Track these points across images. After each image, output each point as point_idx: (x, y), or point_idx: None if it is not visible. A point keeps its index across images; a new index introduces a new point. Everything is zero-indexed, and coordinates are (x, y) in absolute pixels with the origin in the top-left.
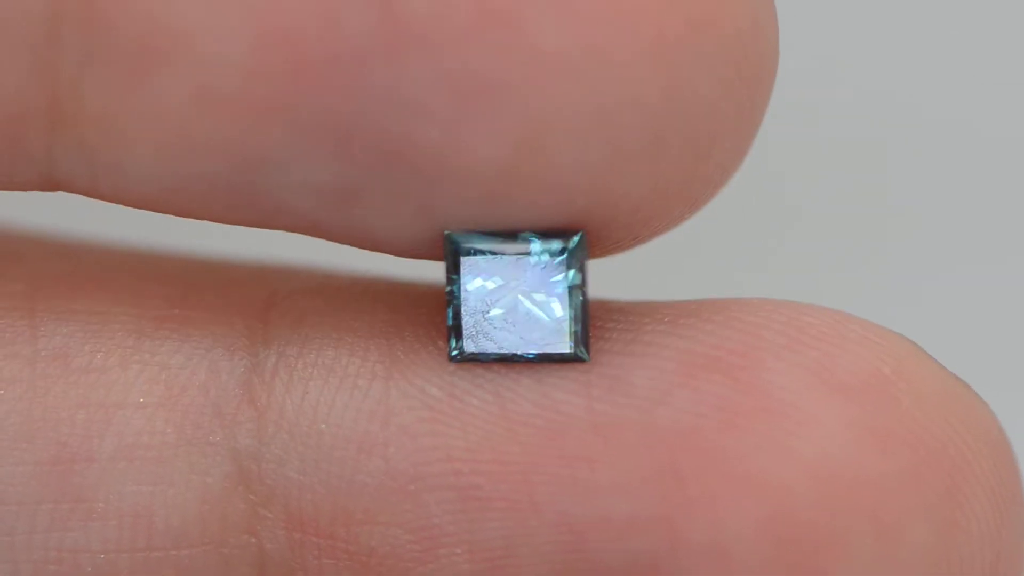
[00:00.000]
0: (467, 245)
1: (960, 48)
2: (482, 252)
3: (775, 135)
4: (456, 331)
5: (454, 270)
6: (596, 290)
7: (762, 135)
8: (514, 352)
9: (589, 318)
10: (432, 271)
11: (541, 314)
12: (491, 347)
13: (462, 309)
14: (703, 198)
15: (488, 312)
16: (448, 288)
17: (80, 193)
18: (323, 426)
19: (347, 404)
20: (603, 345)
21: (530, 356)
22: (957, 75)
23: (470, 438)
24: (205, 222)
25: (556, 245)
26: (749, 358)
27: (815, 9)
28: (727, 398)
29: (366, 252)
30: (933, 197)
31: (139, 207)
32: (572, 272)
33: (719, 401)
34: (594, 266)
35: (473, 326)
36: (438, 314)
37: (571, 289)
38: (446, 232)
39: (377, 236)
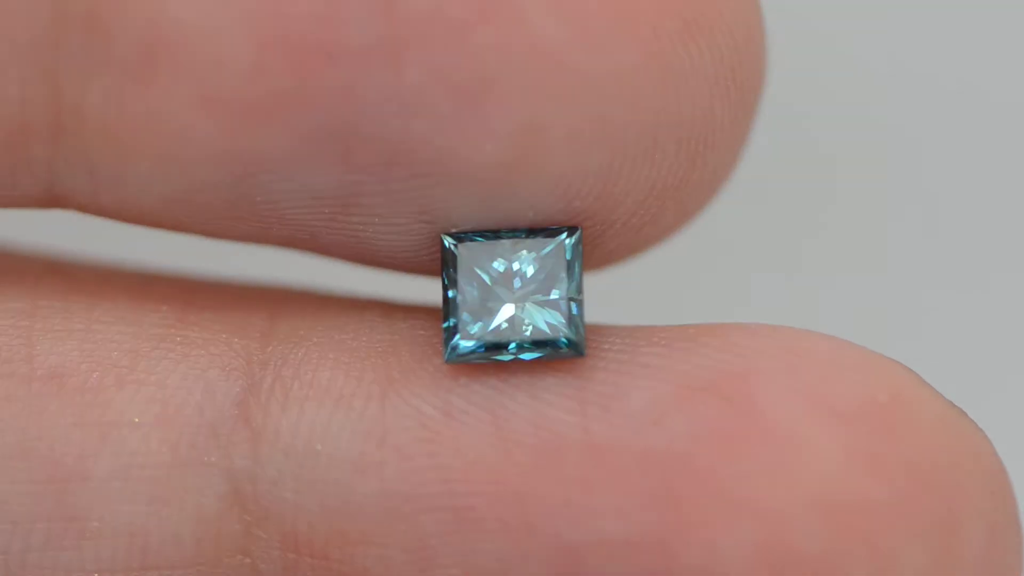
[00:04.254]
0: (464, 246)
1: (956, 53)
2: (479, 253)
3: (777, 158)
4: (451, 332)
5: (451, 272)
6: (593, 312)
7: (764, 157)
8: (512, 351)
9: (584, 315)
10: (429, 293)
11: (538, 312)
12: (489, 347)
13: (459, 310)
14: (696, 206)
15: (485, 312)
16: (444, 289)
17: (81, 208)
18: (319, 447)
19: (343, 425)
20: (599, 364)
21: (526, 356)
22: (955, 80)
23: (466, 458)
24: (204, 244)
25: (552, 244)
26: (745, 382)
27: (805, 12)
28: (723, 422)
29: (364, 274)
30: (936, 220)
31: (139, 222)
32: (568, 272)
33: (715, 425)
34: (591, 287)
35: (469, 326)
36: (435, 335)
37: (567, 288)
38: (443, 234)
39: (376, 245)
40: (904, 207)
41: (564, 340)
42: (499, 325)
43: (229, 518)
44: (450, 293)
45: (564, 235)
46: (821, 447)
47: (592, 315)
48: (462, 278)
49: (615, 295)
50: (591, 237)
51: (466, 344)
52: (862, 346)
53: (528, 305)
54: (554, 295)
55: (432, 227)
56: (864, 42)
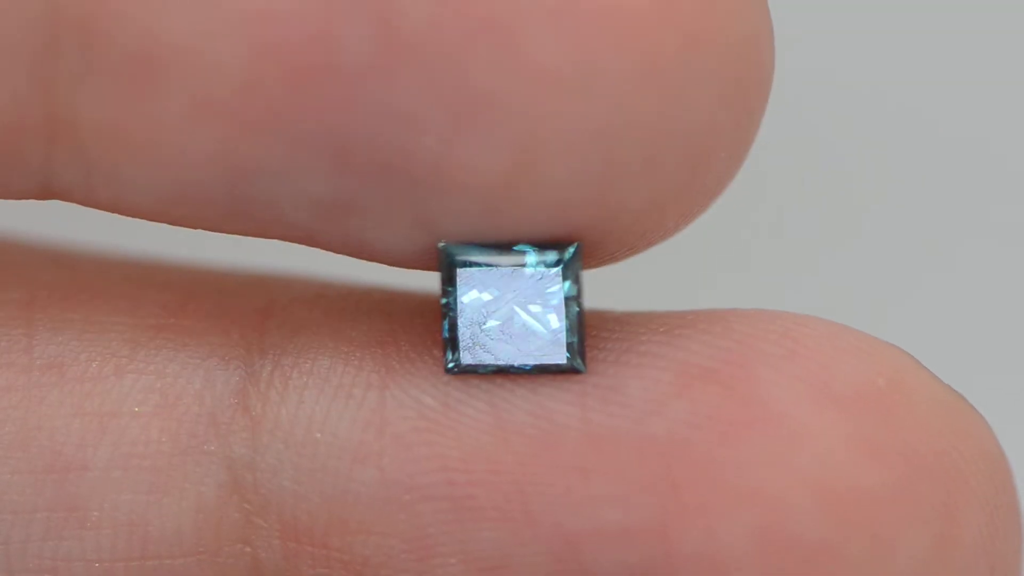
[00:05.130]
0: (462, 257)
1: (957, 57)
2: (478, 264)
3: (772, 144)
4: (452, 343)
5: (449, 282)
6: (592, 299)
7: (760, 144)
8: (510, 364)
9: (585, 330)
10: (429, 282)
11: (537, 326)
12: (487, 359)
13: (458, 321)
14: (698, 210)
15: (484, 324)
16: (444, 300)
17: (77, 203)
18: (318, 435)
19: (342, 414)
20: (598, 355)
21: (526, 368)
22: (955, 84)
23: (465, 448)
24: (202, 231)
25: (552, 256)
26: (744, 369)
27: (810, 19)
28: (722, 409)
29: (363, 263)
30: (931, 207)
31: (136, 216)
32: (568, 283)
33: (714, 412)
34: (590, 275)
35: (469, 338)
36: (434, 324)
37: (567, 300)
38: (441, 244)
39: (374, 247)
40: (903, 194)
41: (565, 363)
42: (496, 340)
43: (229, 507)
44: (449, 308)
45: (563, 249)
46: (820, 433)
47: (590, 301)
48: (460, 289)
49: (614, 281)
50: (591, 243)
51: (465, 362)
52: (860, 331)
53: (526, 318)
54: (552, 308)
55: (430, 235)
56: (864, 42)
